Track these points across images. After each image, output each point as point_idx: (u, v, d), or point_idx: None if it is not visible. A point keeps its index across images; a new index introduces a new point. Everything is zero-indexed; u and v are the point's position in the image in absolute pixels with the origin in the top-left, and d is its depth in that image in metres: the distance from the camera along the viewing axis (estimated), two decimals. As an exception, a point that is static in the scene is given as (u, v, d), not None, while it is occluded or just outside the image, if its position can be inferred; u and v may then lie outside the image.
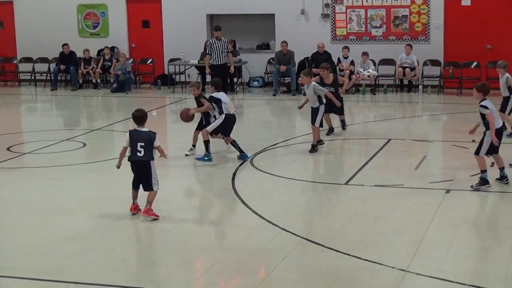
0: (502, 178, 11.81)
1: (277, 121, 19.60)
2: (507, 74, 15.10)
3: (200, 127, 14.04)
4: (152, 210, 10.16)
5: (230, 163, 13.54)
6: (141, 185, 10.35)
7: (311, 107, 14.48)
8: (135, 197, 10.37)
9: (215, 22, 24.99)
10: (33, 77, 25.73)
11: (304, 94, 15.81)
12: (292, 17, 23.85)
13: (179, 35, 24.57)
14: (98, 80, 24.82)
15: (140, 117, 10.36)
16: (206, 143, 13.61)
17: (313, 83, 14.42)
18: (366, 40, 23.40)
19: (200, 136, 13.88)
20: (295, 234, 9.63)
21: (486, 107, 11.48)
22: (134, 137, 10.18)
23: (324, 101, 14.41)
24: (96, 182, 12.43)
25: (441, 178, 12.25)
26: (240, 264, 8.72)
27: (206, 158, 13.58)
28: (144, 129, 10.32)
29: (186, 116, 14.15)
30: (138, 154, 10.10)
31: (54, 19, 25.77)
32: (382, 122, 18.53)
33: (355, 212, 10.64)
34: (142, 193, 10.33)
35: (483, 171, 11.62)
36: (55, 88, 24.79)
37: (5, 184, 12.67)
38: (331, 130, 16.03)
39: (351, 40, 23.50)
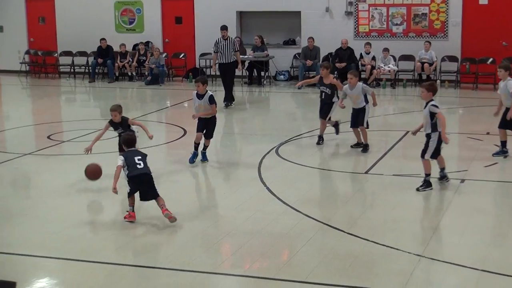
0: (443, 178, 11.29)
1: (302, 113, 19.57)
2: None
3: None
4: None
5: (256, 153, 13.51)
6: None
7: (354, 108, 13.68)
8: (132, 205, 9.76)
9: (244, 19, 25.04)
10: (72, 70, 25.89)
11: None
12: (317, 14, 23.80)
13: (210, 30, 24.56)
14: (133, 73, 24.92)
15: (131, 139, 10.01)
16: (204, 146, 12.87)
17: (361, 83, 13.72)
18: (387, 36, 23.30)
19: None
20: (317, 220, 9.66)
21: (437, 106, 10.91)
22: (129, 154, 9.77)
23: (368, 100, 13.68)
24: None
25: (456, 169, 12.19)
26: (265, 248, 8.75)
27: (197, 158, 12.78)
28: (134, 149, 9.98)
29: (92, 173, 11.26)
30: (138, 166, 9.60)
31: (92, 15, 25.90)
32: (401, 115, 18.49)
33: (374, 199, 10.65)
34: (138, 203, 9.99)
35: (427, 175, 11.03)
36: (93, 80, 24.92)
37: (45, 170, 12.79)
38: (321, 139, 14.37)
39: (373, 36, 23.41)
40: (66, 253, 8.61)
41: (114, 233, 9.29)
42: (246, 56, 23.50)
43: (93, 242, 8.99)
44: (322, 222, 9.56)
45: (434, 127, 10.90)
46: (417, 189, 10.94)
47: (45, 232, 9.40)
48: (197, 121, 12.89)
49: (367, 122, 13.61)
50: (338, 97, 14.00)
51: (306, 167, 12.63)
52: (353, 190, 11.42)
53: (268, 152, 13.54)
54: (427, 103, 10.97)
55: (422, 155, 11.09)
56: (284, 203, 10.45)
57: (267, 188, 11.29)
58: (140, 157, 9.68)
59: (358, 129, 13.69)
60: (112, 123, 12.05)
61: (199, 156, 12.89)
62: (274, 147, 13.82)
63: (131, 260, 8.48)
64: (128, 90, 23.65)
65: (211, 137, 12.96)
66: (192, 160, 12.78)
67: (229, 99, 19.38)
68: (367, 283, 7.63)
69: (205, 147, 12.92)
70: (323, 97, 14.20)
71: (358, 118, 13.62)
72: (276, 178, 11.89)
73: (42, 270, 8.23)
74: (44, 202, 10.84)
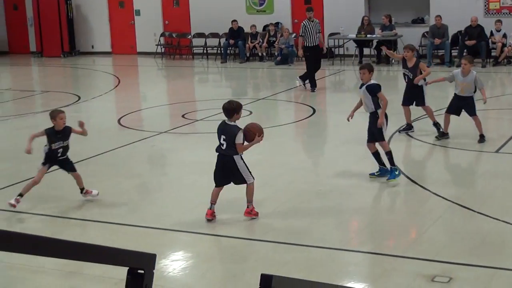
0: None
1: (430, 91, 19.18)
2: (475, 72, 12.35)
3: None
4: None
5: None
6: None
7: (460, 96, 12.30)
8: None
9: (373, -2, 24.74)
10: (205, 51, 26.28)
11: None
12: (447, -8, 23.25)
13: (338, 10, 24.45)
14: (264, 54, 25.07)
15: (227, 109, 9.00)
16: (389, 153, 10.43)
17: (475, 72, 12.22)
18: (518, 13, 22.52)
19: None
20: (445, 199, 9.47)
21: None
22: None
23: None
24: (262, 147, 12.60)
25: None
26: (393, 226, 8.68)
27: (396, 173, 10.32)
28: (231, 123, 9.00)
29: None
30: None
31: (224, -2, 26.21)
32: (533, 93, 17.85)
33: (505, 178, 10.34)
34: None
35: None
36: (224, 61, 25.22)
37: (180, 148, 13.09)
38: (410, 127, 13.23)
39: (504, 13, 22.65)
40: (200, 227, 8.79)
41: (237, 211, 9.30)
42: (374, 35, 23.23)
43: (225, 216, 9.10)
44: (451, 201, 9.38)
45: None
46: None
47: (180, 207, 9.63)
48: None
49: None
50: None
51: (435, 145, 12.37)
52: (483, 169, 11.14)
53: (395, 132, 13.26)
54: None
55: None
56: (413, 181, 10.30)
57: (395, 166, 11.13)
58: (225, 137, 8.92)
59: (474, 117, 12.30)
60: (51, 132, 9.61)
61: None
62: (401, 127, 13.49)
63: (257, 235, 8.56)
64: (258, 70, 23.83)
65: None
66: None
67: (312, 81, 18.59)
68: (497, 263, 7.45)
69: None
70: (406, 80, 13.04)
71: (465, 107, 12.31)
72: (404, 157, 11.73)
73: (177, 244, 8.45)
74: (180, 179, 11.10)
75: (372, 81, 10.35)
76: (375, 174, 10.35)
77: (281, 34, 24.39)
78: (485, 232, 8.30)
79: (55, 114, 9.61)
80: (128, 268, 3.00)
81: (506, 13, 22.61)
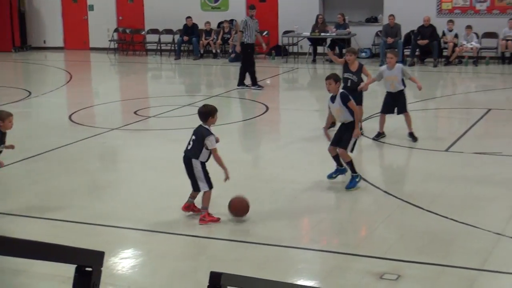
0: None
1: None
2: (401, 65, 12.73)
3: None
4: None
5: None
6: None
7: (390, 92, 12.57)
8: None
9: (327, -4, 24.87)
10: (159, 47, 26.19)
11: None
12: (400, -9, 23.49)
13: (293, 9, 24.55)
14: (218, 51, 25.07)
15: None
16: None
17: (401, 64, 12.39)
18: (470, 14, 22.82)
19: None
20: (396, 197, 9.58)
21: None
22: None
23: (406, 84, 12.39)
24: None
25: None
26: (344, 224, 8.75)
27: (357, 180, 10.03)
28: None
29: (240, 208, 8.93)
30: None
31: (178, -6, 26.12)
32: (483, 93, 18.11)
33: (454, 177, 10.47)
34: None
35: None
36: (178, 58, 25.16)
37: (132, 144, 13.01)
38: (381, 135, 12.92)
39: (456, 14, 22.96)
40: (151, 225, 8.75)
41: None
42: (328, 34, 23.38)
43: (177, 214, 9.08)
44: (401, 199, 9.48)
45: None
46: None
47: (131, 204, 9.55)
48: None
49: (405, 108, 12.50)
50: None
51: (386, 144, 12.50)
52: (433, 167, 11.27)
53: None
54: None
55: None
56: (364, 179, 10.39)
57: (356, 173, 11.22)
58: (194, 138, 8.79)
59: (403, 115, 12.41)
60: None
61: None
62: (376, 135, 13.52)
63: (215, 233, 8.57)
64: (212, 67, 23.82)
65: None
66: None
67: (254, 80, 18.65)
68: (445, 260, 7.54)
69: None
70: (349, 84, 12.63)
71: (397, 104, 12.51)
72: (356, 155, 11.82)
73: (128, 241, 8.40)
74: (131, 175, 11.04)
75: (341, 91, 10.16)
76: (333, 176, 10.32)
77: (236, 31, 24.38)
78: (434, 230, 8.41)
79: (4, 116, 9.00)
80: (76, 266, 2.99)
81: (458, 13, 22.92)
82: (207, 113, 8.78)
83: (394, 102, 12.55)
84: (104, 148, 12.89)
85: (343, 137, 9.97)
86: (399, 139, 12.65)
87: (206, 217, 8.75)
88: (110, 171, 11.54)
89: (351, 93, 11.87)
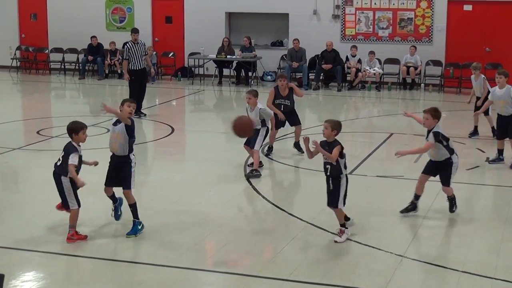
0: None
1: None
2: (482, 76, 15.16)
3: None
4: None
5: (242, 152, 13.45)
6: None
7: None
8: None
9: (233, 19, 25.00)
10: (63, 67, 25.77)
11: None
12: (305, 17, 23.80)
13: (199, 31, 24.58)
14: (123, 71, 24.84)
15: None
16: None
17: (260, 106, 11.99)
18: (373, 40, 23.33)
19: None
20: (301, 219, 9.64)
21: (438, 135, 10.12)
22: None
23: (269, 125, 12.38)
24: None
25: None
26: (249, 246, 8.74)
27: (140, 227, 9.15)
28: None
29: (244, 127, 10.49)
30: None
31: (83, 13, 25.78)
32: (386, 117, 18.52)
33: (358, 200, 10.62)
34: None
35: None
36: (83, 77, 24.82)
37: (34, 165, 12.72)
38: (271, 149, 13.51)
39: (359, 39, 23.43)
40: (53, 247, 8.56)
41: (99, 228, 9.24)
42: (234, 57, 23.49)
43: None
44: (305, 221, 9.55)
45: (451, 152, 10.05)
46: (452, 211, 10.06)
47: (32, 226, 9.33)
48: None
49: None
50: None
51: (290, 166, 12.61)
52: (337, 190, 11.38)
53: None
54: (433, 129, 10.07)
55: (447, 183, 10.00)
56: (269, 201, 10.44)
57: (253, 187, 11.27)
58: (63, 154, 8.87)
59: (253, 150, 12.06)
60: None
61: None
62: (260, 147, 13.66)
63: (116, 255, 8.43)
64: (117, 87, 23.56)
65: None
66: None
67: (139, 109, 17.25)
68: (349, 282, 7.63)
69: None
70: (282, 109, 13.04)
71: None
72: (262, 177, 11.87)
73: (29, 264, 8.18)
74: (32, 196, 10.78)
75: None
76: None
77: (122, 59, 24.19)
78: (339, 252, 8.50)
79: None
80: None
81: (362, 39, 23.39)
82: (70, 130, 8.96)
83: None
84: (6, 168, 12.57)
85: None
86: (304, 162, 12.75)
87: (74, 236, 8.73)
88: (11, 192, 11.24)
89: (287, 116, 13.03)
